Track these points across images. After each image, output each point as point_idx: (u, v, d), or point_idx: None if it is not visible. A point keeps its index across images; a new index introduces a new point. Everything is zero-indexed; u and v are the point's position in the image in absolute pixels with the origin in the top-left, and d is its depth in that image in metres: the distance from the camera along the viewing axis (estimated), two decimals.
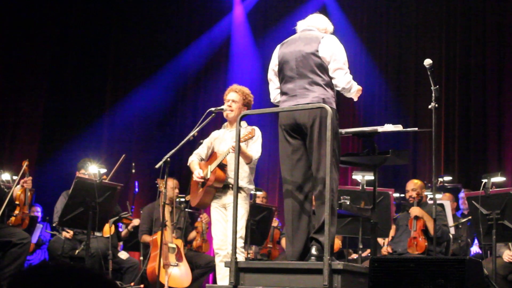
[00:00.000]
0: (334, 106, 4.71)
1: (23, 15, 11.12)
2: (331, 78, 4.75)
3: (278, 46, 5.01)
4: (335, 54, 4.74)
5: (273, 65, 4.98)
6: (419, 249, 7.16)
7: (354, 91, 4.81)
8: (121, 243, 8.43)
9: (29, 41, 11.22)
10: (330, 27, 5.08)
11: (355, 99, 4.99)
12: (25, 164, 6.97)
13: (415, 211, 7.26)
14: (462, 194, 8.89)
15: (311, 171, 4.69)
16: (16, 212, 6.85)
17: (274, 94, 5.03)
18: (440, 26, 11.08)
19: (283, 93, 4.86)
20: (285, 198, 4.80)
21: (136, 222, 8.10)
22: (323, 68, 4.73)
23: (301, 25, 5.08)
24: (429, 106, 5.48)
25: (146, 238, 7.83)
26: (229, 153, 5.66)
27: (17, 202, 6.85)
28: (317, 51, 4.73)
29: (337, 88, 4.78)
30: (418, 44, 11.16)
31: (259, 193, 8.71)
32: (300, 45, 4.81)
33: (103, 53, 12.08)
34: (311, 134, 4.64)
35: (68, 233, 7.45)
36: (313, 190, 4.68)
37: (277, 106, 5.01)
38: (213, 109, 6.03)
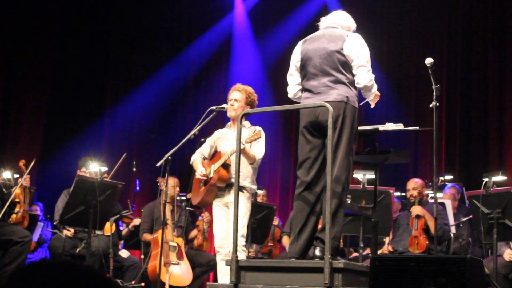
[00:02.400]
0: (356, 105, 4.71)
1: (26, 14, 11.13)
2: (353, 76, 4.73)
3: (301, 42, 4.97)
4: (359, 52, 4.73)
5: (295, 61, 4.93)
6: (420, 248, 7.16)
7: (374, 91, 4.81)
8: (121, 242, 8.43)
9: (32, 40, 11.24)
10: (353, 25, 5.07)
11: (373, 105, 4.96)
12: (21, 163, 6.99)
13: (416, 210, 7.26)
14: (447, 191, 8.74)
15: (325, 171, 4.67)
16: (17, 209, 6.85)
17: (294, 90, 4.99)
18: (441, 24, 11.08)
19: (305, 89, 4.83)
20: (296, 196, 4.77)
21: (136, 221, 8.11)
22: (347, 66, 4.72)
23: (324, 21, 5.04)
24: (430, 105, 5.48)
25: (147, 236, 7.83)
26: (234, 153, 5.64)
27: (17, 200, 6.86)
28: (342, 49, 4.71)
29: (359, 86, 4.74)
30: (419, 43, 11.16)
31: (259, 192, 8.71)
32: (324, 42, 4.78)
33: (104, 52, 12.09)
34: (332, 131, 4.61)
35: (69, 232, 7.46)
36: (326, 190, 4.66)
37: (296, 102, 5.01)
38: (214, 107, 6.04)
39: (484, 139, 10.44)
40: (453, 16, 11.04)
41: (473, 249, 7.94)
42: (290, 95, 5.03)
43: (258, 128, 5.84)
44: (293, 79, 4.98)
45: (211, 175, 5.87)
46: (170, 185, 7.51)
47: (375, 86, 4.81)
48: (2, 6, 10.86)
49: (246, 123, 5.99)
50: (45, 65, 11.47)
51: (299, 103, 4.95)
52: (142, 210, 8.35)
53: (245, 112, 5.24)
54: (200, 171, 5.91)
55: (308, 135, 4.75)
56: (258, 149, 5.82)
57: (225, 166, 5.83)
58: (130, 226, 8.14)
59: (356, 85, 4.75)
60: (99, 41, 11.97)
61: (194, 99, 12.14)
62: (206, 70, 12.23)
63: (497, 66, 10.52)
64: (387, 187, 7.50)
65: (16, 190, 6.81)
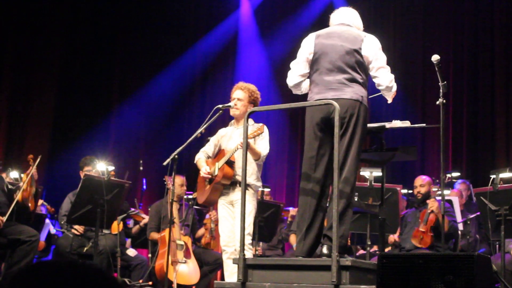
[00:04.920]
0: (367, 106, 4.74)
1: (33, 15, 11.15)
2: (367, 77, 4.77)
3: (313, 35, 4.90)
4: (377, 53, 4.77)
5: (307, 53, 4.83)
6: (423, 243, 7.14)
7: (394, 91, 4.85)
8: (129, 241, 8.45)
9: (38, 41, 11.25)
10: (362, 25, 5.09)
11: (390, 100, 4.98)
12: (30, 157, 6.98)
13: (433, 205, 7.20)
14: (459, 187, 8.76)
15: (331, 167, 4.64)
16: (24, 187, 6.79)
17: (297, 79, 4.89)
18: (447, 21, 11.06)
19: (316, 84, 4.77)
20: (302, 193, 4.74)
21: (148, 219, 8.16)
22: (362, 66, 4.74)
23: (336, 18, 5.01)
24: (437, 102, 5.46)
25: (154, 235, 7.85)
26: (238, 150, 5.65)
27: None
28: (360, 49, 4.73)
29: (380, 87, 4.79)
30: (425, 40, 11.13)
31: (266, 190, 8.72)
32: (341, 40, 4.76)
33: (110, 52, 12.09)
34: (346, 128, 4.61)
35: (77, 231, 7.45)
36: (333, 187, 4.64)
37: (297, 94, 4.99)
38: (220, 106, 6.03)
39: (491, 135, 10.41)
40: (459, 13, 11.01)
41: (481, 246, 7.92)
42: (290, 83, 4.92)
43: (261, 124, 5.84)
44: (299, 68, 4.88)
45: (216, 173, 5.87)
46: (177, 183, 7.52)
47: (395, 85, 4.84)
48: (9, 6, 10.88)
49: (249, 120, 5.98)
50: (51, 66, 11.48)
51: (301, 97, 4.94)
52: (149, 209, 8.37)
53: (251, 111, 5.22)
54: (204, 169, 5.91)
55: (319, 132, 4.70)
56: (263, 146, 5.81)
57: (229, 163, 5.82)
58: (141, 223, 8.18)
59: (378, 87, 4.80)
60: (105, 40, 11.98)
61: (201, 98, 12.14)
62: (212, 68, 12.24)
63: (504, 62, 10.49)
64: (394, 184, 7.49)
65: (24, 184, 6.81)
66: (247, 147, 4.79)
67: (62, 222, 7.48)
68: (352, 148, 4.60)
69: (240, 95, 5.97)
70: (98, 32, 11.86)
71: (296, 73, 4.89)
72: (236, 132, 5.94)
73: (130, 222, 8.40)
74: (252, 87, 6.04)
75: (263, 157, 5.83)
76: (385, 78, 4.76)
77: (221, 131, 6.18)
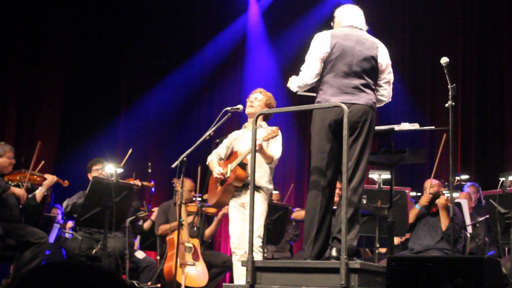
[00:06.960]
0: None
1: (41, 19, 11.19)
2: (376, 83, 4.81)
3: (328, 34, 4.78)
4: (389, 65, 4.83)
5: (324, 52, 4.70)
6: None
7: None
8: (137, 243, 8.46)
9: (47, 45, 11.30)
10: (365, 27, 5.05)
11: None
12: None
13: (441, 199, 7.21)
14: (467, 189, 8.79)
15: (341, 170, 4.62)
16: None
17: (315, 78, 4.73)
18: (456, 23, 11.03)
19: (330, 85, 4.68)
20: (311, 195, 4.70)
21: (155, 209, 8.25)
22: (376, 73, 4.76)
23: (346, 18, 4.95)
24: (446, 105, 5.45)
25: (164, 227, 7.85)
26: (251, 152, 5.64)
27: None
28: (377, 56, 4.75)
29: (382, 98, 4.85)
30: (434, 42, 11.11)
31: (274, 192, 8.71)
32: (359, 45, 4.72)
33: (118, 54, 12.11)
34: (358, 133, 4.60)
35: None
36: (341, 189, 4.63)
37: (308, 91, 4.97)
38: (229, 108, 6.04)
39: (500, 138, 10.38)
40: (468, 15, 10.98)
41: (490, 249, 7.89)
42: (308, 81, 4.74)
43: (276, 126, 5.85)
44: (318, 67, 4.73)
45: (228, 174, 5.87)
46: (186, 188, 7.54)
47: None
48: (18, 9, 10.92)
49: (263, 123, 6.00)
50: (59, 69, 11.52)
51: (311, 99, 4.92)
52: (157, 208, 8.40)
53: (261, 112, 5.24)
54: (217, 169, 5.91)
55: (331, 134, 4.64)
56: (276, 149, 5.82)
57: (242, 165, 5.82)
58: (152, 217, 8.23)
59: (379, 97, 4.83)
60: (114, 42, 12.00)
61: (209, 100, 12.15)
62: (221, 71, 12.24)
63: None
64: (403, 187, 7.48)
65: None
66: (255, 148, 4.79)
67: (68, 209, 7.46)
68: (364, 157, 4.61)
69: (259, 96, 6.03)
70: (106, 35, 11.88)
71: (315, 72, 4.73)
72: (249, 134, 5.91)
73: (140, 221, 8.42)
74: (271, 94, 6.12)
75: (276, 160, 5.83)
76: (390, 93, 4.87)
77: (234, 134, 6.19)
